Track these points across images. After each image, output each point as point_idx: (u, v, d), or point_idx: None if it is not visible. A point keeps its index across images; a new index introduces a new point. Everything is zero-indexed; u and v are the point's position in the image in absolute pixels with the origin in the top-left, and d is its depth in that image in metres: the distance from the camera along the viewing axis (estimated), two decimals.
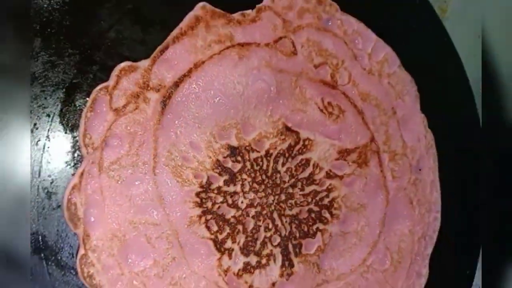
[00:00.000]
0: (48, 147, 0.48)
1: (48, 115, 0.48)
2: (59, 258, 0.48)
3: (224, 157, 0.53)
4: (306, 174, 0.56)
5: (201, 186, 0.52)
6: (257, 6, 0.53)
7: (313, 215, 0.56)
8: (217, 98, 0.52)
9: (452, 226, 0.61)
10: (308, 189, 0.56)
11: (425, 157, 0.61)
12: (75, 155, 0.48)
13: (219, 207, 0.53)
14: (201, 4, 0.51)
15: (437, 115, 0.59)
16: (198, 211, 0.52)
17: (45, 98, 0.48)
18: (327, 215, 0.57)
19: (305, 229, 0.56)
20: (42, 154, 0.47)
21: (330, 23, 0.55)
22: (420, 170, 0.61)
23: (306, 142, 0.56)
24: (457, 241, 0.62)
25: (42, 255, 0.47)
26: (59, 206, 0.47)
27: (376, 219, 0.59)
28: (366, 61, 0.57)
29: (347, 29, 0.56)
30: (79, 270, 0.46)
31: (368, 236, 0.58)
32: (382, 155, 0.59)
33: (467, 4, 0.71)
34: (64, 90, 0.48)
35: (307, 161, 0.56)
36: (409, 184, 0.60)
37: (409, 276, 0.60)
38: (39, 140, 0.48)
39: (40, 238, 0.47)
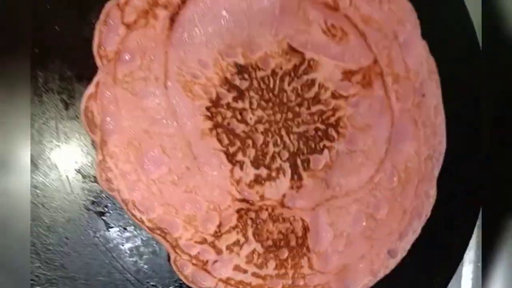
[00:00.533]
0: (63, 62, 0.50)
1: None
2: (80, 166, 0.50)
3: (232, 75, 0.55)
4: (312, 94, 0.58)
5: (211, 101, 0.54)
6: None
7: (319, 133, 0.58)
8: (223, 15, 0.54)
9: (458, 152, 0.62)
10: (314, 108, 0.58)
11: (428, 82, 0.62)
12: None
13: (228, 123, 0.55)
14: None
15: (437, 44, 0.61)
16: (209, 124, 0.54)
17: None
18: (334, 133, 0.58)
19: (312, 145, 0.58)
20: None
21: None
22: (423, 96, 0.62)
23: (311, 63, 0.58)
24: (464, 165, 0.63)
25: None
26: (77, 116, 0.50)
27: (382, 138, 0.60)
28: None
29: None
30: (97, 174, 0.49)
31: (374, 155, 0.60)
32: (385, 77, 0.60)
33: None
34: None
35: (313, 81, 0.58)
36: (413, 106, 0.61)
37: (417, 195, 0.61)
38: None
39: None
